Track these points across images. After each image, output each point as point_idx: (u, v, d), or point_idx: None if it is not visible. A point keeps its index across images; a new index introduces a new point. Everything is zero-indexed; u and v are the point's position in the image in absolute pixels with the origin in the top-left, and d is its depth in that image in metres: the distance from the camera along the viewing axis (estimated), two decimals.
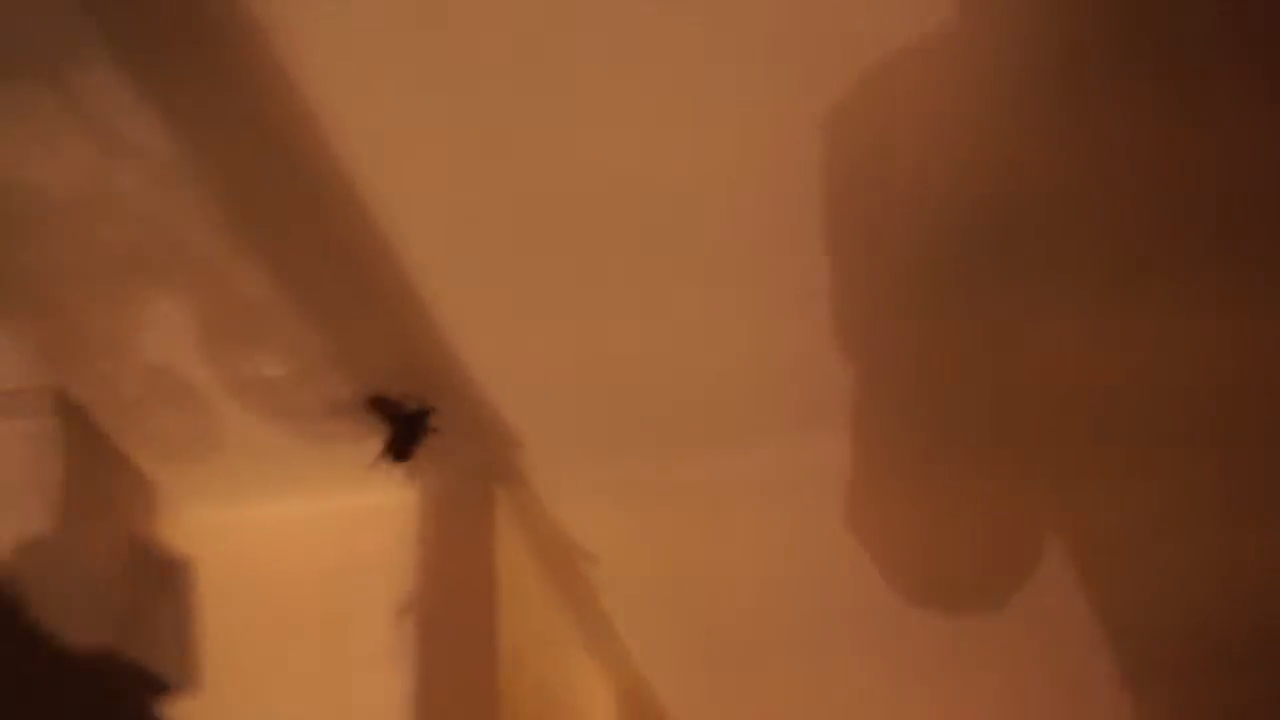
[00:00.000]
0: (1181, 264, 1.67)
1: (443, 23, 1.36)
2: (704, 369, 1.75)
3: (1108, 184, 1.59)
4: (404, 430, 1.77)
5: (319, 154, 1.45)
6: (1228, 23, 1.46)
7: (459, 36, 1.37)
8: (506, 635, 1.81)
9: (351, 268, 1.59)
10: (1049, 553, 1.98)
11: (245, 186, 1.51)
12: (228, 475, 1.82)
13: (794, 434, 1.87)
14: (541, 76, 1.41)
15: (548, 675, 1.99)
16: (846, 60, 1.42)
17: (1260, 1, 1.45)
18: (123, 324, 1.63)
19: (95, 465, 1.72)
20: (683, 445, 1.87)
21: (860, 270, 1.64)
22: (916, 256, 1.63)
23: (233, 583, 1.79)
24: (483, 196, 1.52)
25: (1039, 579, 1.97)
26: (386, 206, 1.52)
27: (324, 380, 1.70)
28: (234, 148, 1.46)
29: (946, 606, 2.07)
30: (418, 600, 1.81)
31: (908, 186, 1.55)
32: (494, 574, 1.84)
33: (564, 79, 1.41)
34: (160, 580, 1.24)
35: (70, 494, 1.62)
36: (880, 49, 1.41)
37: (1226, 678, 2.06)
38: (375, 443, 1.73)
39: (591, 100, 1.43)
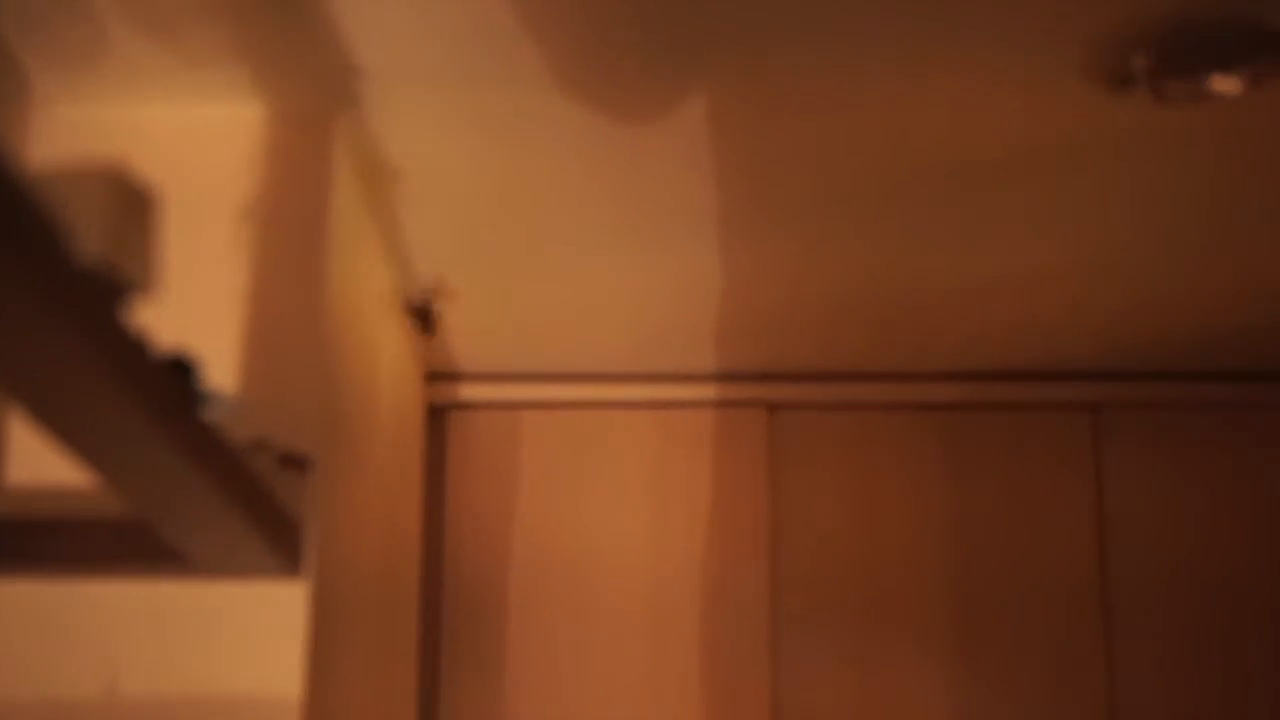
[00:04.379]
0: None
1: None
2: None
3: None
4: None
5: None
6: None
7: None
8: (332, 236, 2.10)
9: None
10: None
11: None
12: (101, 81, 2.04)
13: (633, 85, 2.06)
14: None
15: (353, 269, 2.28)
16: None
17: None
18: None
19: None
20: (516, 83, 2.06)
21: None
22: None
23: None
24: None
25: None
26: None
27: (210, 17, 1.90)
28: None
29: None
30: (259, 204, 2.08)
31: None
32: (327, 186, 2.11)
33: None
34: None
35: None
36: None
37: None
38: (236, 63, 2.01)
39: None
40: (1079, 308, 2.86)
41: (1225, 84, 1.97)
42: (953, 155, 2.26)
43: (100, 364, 1.22)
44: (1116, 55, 1.93)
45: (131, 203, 1.32)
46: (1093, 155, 2.24)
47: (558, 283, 2.75)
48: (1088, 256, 2.63)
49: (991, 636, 3.12)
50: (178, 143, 2.06)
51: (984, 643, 3.12)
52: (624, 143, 2.20)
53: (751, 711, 3.08)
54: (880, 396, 3.21)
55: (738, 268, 2.67)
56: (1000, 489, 3.18)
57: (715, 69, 2.02)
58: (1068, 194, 2.39)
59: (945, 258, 2.63)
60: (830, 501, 3.18)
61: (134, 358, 1.29)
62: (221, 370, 1.92)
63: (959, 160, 2.28)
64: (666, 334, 3.01)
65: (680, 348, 3.08)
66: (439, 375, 3.19)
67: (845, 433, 3.21)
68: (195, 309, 1.91)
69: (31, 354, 1.18)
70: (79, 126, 2.05)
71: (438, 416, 3.21)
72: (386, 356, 2.61)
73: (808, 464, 3.20)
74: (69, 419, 1.33)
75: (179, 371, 1.54)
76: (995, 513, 3.17)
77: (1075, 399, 3.20)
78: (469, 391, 3.22)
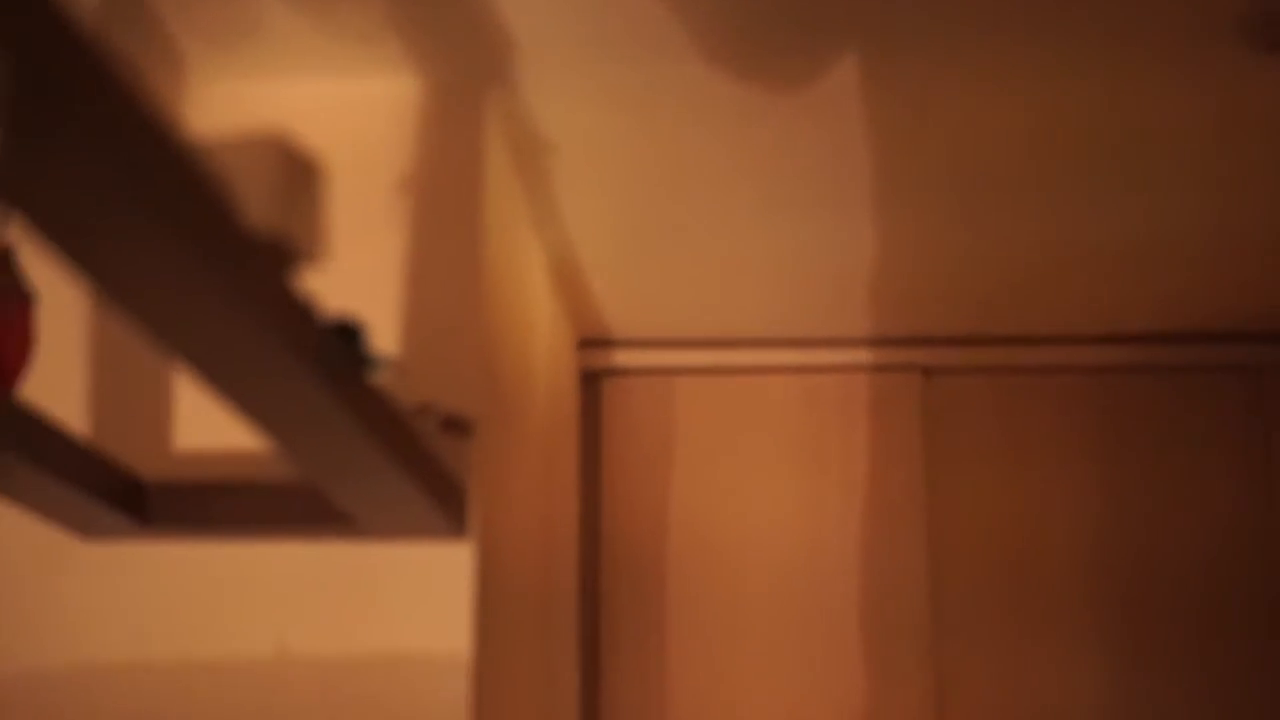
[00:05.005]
0: None
1: None
2: None
3: None
4: None
5: None
6: None
7: None
8: (487, 206, 2.11)
9: None
10: None
11: None
12: (255, 57, 2.05)
13: (784, 56, 2.06)
14: None
15: (507, 237, 2.28)
16: None
17: None
18: None
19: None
20: (667, 56, 2.05)
21: None
22: None
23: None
24: None
25: None
26: None
27: None
28: None
29: None
30: (415, 176, 2.09)
31: None
32: (481, 157, 2.11)
33: None
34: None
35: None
36: None
37: None
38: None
39: None
40: (1236, 272, 2.81)
41: None
42: (1106, 123, 2.23)
43: (269, 330, 1.25)
44: (1271, 19, 1.90)
45: (298, 172, 1.35)
46: (1247, 120, 2.20)
47: (709, 249, 2.76)
48: (1243, 220, 2.59)
49: (1151, 612, 3.06)
50: (331, 117, 2.10)
51: (1143, 619, 3.06)
52: (774, 113, 2.21)
53: (915, 686, 3.07)
54: (1035, 360, 3.18)
55: (890, 233, 2.66)
56: (1159, 454, 3.13)
57: (865, 40, 2.01)
58: (1222, 159, 2.35)
59: (1100, 222, 2.60)
60: (985, 467, 3.16)
61: (301, 323, 1.33)
62: (384, 336, 1.96)
63: (1113, 128, 2.25)
64: (820, 299, 3.01)
65: (834, 312, 3.07)
66: (592, 341, 3.22)
67: (1000, 397, 3.18)
68: (357, 277, 1.96)
69: (203, 321, 1.22)
70: (234, 102, 2.09)
71: (591, 382, 3.24)
72: (540, 322, 2.64)
73: (962, 428, 3.18)
74: (240, 384, 1.37)
75: (345, 336, 1.58)
76: (1155, 479, 3.12)
77: (1237, 362, 3.14)
78: (622, 357, 3.25)
